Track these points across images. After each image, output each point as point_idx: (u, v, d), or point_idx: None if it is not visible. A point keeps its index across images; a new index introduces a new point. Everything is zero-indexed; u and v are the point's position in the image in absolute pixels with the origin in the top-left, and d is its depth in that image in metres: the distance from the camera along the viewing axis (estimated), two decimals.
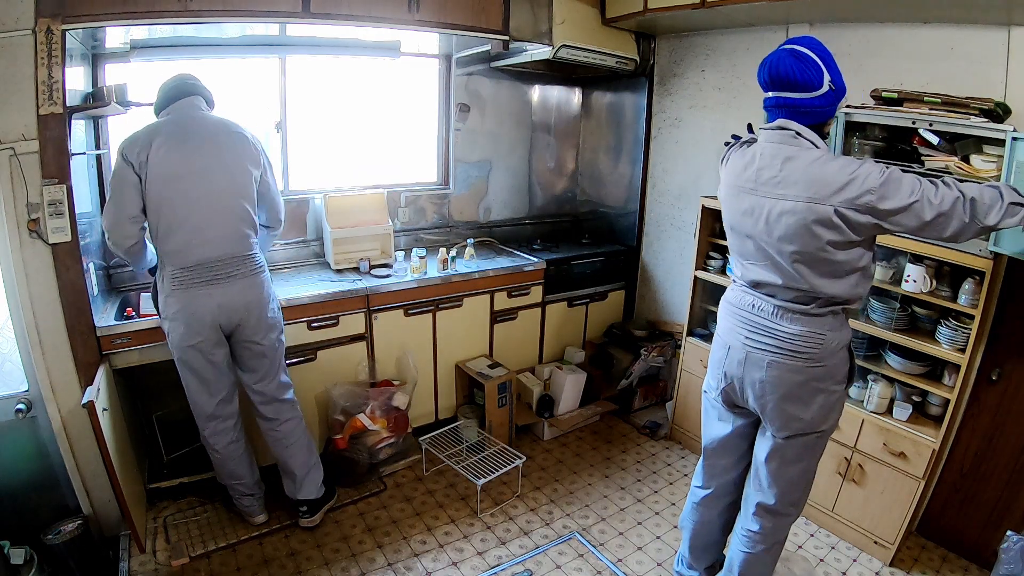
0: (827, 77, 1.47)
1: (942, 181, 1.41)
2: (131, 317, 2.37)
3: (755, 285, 1.65)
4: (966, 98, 1.93)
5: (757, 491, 1.78)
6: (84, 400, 1.88)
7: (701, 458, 1.96)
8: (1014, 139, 1.76)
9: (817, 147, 1.50)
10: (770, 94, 1.53)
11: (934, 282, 2.09)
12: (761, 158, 1.56)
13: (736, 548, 1.85)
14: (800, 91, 1.48)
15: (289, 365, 2.52)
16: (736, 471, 1.89)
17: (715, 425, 1.87)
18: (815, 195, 1.45)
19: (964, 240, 1.44)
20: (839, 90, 1.50)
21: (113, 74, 2.49)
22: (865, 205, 1.41)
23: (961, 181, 1.47)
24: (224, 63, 2.77)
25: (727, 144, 1.80)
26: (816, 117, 1.51)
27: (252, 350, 2.19)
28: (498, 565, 2.25)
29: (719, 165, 1.76)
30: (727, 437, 1.84)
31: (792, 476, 1.71)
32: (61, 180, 1.97)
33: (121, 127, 2.59)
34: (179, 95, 2.09)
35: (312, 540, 2.33)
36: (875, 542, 2.31)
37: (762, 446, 1.74)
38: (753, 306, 1.65)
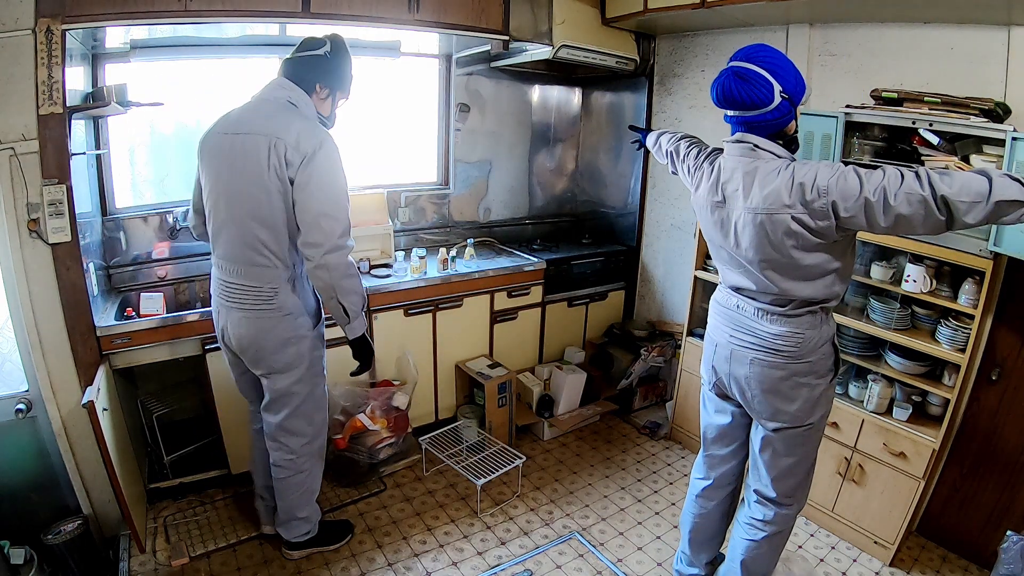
0: (777, 89, 1.45)
1: (915, 174, 1.32)
2: (131, 317, 2.37)
3: (736, 289, 1.70)
4: (966, 98, 1.93)
5: (756, 480, 1.81)
6: (84, 400, 1.88)
7: (701, 450, 1.98)
8: (1014, 139, 1.76)
9: (778, 156, 1.51)
10: (729, 112, 1.54)
11: (934, 282, 2.09)
12: (724, 172, 1.60)
13: (739, 537, 1.87)
14: (751, 110, 1.48)
15: None
16: (735, 460, 1.91)
17: (713, 415, 1.90)
18: (772, 205, 1.46)
19: (958, 230, 1.38)
20: (795, 95, 1.48)
21: (113, 74, 2.49)
22: (820, 210, 1.40)
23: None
24: (224, 63, 2.77)
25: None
26: (774, 128, 1.51)
27: (261, 380, 2.01)
28: (498, 565, 2.25)
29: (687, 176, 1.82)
30: (726, 427, 1.87)
31: (787, 467, 1.73)
32: (61, 180, 1.97)
33: (121, 127, 2.60)
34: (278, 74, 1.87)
35: None
36: (875, 542, 2.31)
37: (756, 437, 1.77)
38: (737, 306, 1.69)
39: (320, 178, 1.74)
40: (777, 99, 1.46)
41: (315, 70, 1.83)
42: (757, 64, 1.46)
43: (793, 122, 1.54)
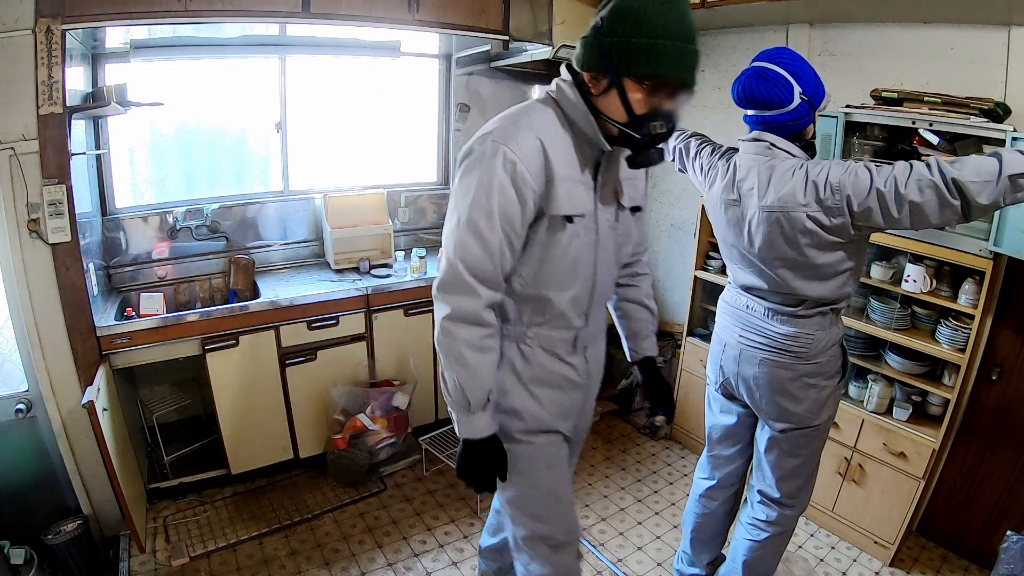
0: (797, 90, 1.47)
1: (926, 164, 1.35)
2: (131, 317, 2.38)
3: (746, 288, 1.70)
4: (966, 98, 1.93)
5: (760, 481, 1.81)
6: (84, 400, 1.89)
7: (705, 450, 1.98)
8: (1014, 139, 1.76)
9: (793, 155, 1.52)
10: (749, 112, 1.56)
11: (934, 282, 2.09)
12: (740, 170, 1.60)
13: (740, 537, 1.87)
14: (770, 109, 1.49)
15: (289, 365, 2.54)
16: (739, 461, 1.91)
17: (719, 415, 1.90)
18: (787, 204, 1.47)
19: (976, 219, 1.36)
20: (814, 99, 1.50)
21: (113, 74, 2.49)
22: (834, 207, 1.42)
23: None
24: (224, 63, 2.77)
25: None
26: (791, 129, 1.52)
27: None
28: None
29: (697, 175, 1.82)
30: (731, 427, 1.87)
31: (792, 468, 1.74)
32: (61, 180, 1.97)
33: (121, 127, 2.60)
34: None
35: (312, 540, 2.33)
36: (875, 542, 2.31)
37: (762, 437, 1.77)
38: (747, 307, 1.69)
39: (451, 201, 1.24)
40: (796, 100, 1.48)
41: (587, 46, 1.19)
42: (779, 65, 1.48)
43: (811, 126, 1.56)
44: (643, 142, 1.16)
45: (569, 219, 1.21)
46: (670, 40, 1.08)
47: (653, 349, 1.61)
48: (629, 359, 1.61)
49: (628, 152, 1.22)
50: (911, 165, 1.36)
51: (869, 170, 1.39)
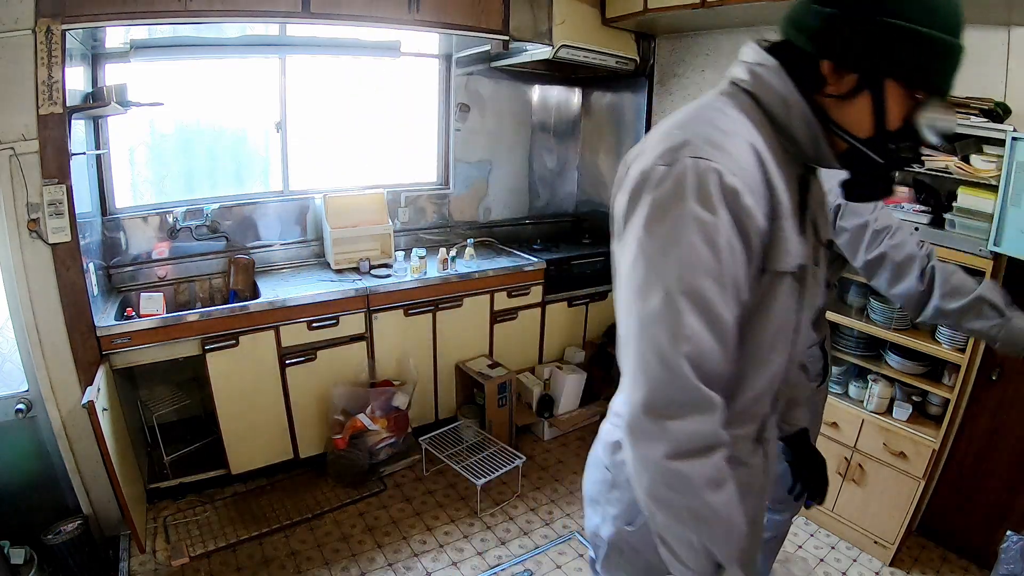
0: None
1: (922, 243, 1.41)
2: (131, 317, 2.37)
3: None
4: (966, 98, 1.93)
5: None
6: (84, 400, 1.89)
7: None
8: (1014, 139, 1.76)
9: None
10: None
11: None
12: None
13: None
14: None
15: (289, 365, 2.54)
16: None
17: None
18: None
19: (925, 320, 1.41)
20: None
21: (113, 74, 2.49)
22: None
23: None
24: (224, 63, 2.77)
25: None
26: None
27: None
28: (498, 565, 2.25)
29: None
30: None
31: (780, 472, 1.72)
32: (61, 180, 1.97)
33: (121, 127, 2.60)
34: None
35: (312, 540, 2.33)
36: (875, 542, 2.31)
37: None
38: None
39: (633, 263, 0.77)
40: None
41: (832, 21, 0.76)
42: None
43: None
44: (882, 167, 0.81)
45: (793, 274, 0.83)
46: (955, 37, 0.74)
47: (805, 418, 1.21)
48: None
49: (837, 172, 0.86)
50: (912, 236, 1.40)
51: (874, 204, 1.41)
